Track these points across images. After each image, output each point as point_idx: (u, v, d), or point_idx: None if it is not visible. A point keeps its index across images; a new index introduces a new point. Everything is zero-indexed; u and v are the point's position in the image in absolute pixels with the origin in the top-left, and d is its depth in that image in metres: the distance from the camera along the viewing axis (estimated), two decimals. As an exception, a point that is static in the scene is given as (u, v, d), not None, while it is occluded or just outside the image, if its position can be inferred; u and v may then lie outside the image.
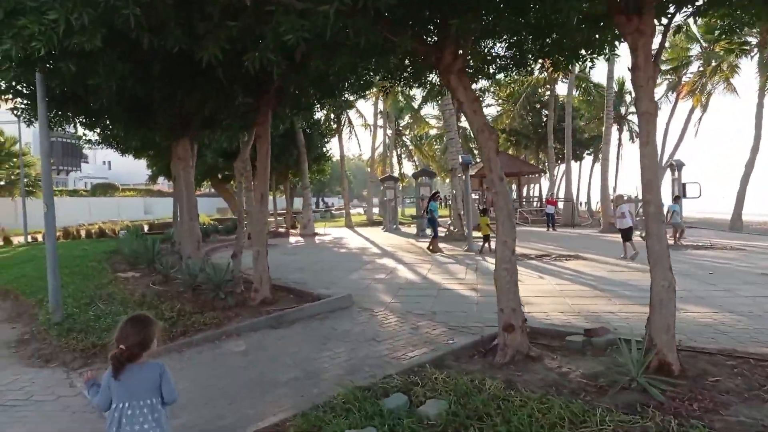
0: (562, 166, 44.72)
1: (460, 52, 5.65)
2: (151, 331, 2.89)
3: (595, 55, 6.21)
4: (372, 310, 8.48)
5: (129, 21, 4.56)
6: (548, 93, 41.25)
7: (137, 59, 6.56)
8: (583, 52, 6.13)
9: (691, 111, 33.49)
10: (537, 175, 41.87)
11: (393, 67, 6.72)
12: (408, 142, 60.48)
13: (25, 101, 8.85)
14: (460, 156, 18.04)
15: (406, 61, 6.67)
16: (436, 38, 5.70)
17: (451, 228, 21.15)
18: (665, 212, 18.07)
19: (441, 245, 17.51)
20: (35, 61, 5.95)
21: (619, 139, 46.23)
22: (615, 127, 46.47)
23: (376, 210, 44.45)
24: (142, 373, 2.83)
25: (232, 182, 37.01)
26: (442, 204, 33.68)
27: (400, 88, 10.44)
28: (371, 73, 7.04)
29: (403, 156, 61.74)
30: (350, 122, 37.57)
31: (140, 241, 15.42)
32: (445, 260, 14.64)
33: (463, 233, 18.64)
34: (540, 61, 6.69)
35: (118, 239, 22.35)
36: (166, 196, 55.94)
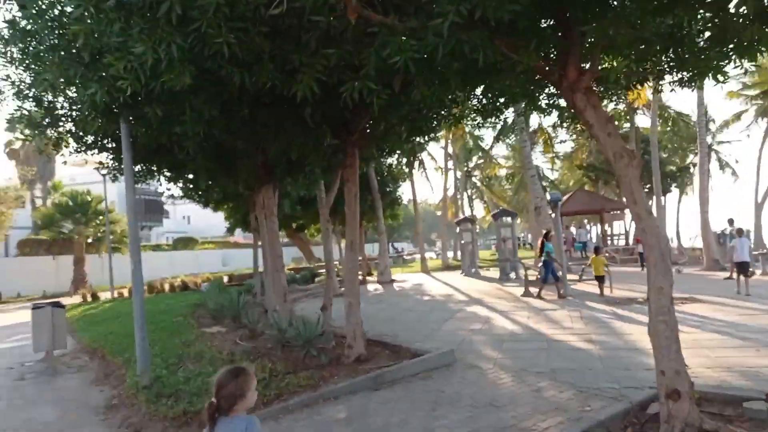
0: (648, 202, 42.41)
1: (586, 67, 4.88)
2: (242, 382, 2.80)
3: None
4: (479, 367, 7.54)
5: (221, 53, 4.10)
6: (627, 124, 39.49)
7: (225, 102, 6.19)
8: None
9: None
10: (620, 212, 39.61)
11: (506, 89, 6.00)
12: (478, 183, 59.56)
13: (110, 155, 8.78)
14: (547, 193, 16.95)
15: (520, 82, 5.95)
16: (556, 52, 4.95)
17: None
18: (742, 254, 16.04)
19: (532, 290, 16.28)
20: (121, 107, 5.68)
21: (708, 169, 43.27)
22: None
23: (450, 254, 43.37)
24: (231, 426, 2.74)
25: (306, 231, 37.36)
26: (522, 245, 32.07)
27: (477, 125, 9.88)
28: (479, 99, 6.34)
29: (474, 197, 60.72)
30: (422, 165, 37.11)
31: (224, 293, 15.20)
32: (543, 306, 13.44)
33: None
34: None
35: (200, 292, 22.49)
36: (242, 248, 57.30)
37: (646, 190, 39.03)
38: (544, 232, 17.36)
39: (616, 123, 36.80)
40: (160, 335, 11.38)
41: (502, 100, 6.38)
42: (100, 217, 32.26)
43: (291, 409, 6.31)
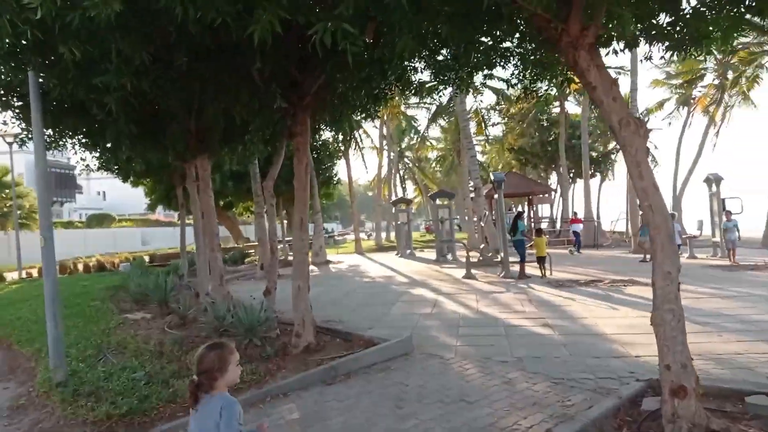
0: (572, 186, 43.66)
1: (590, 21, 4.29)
2: (222, 356, 2.69)
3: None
4: (440, 356, 6.97)
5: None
6: (555, 110, 40.33)
7: (158, 48, 5.17)
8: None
9: (709, 125, 32.33)
10: (548, 195, 40.56)
11: (497, 42, 5.33)
12: (410, 164, 59.50)
13: (15, 113, 7.43)
14: (491, 173, 16.67)
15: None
16: (557, 3, 4.32)
17: (483, 252, 19.63)
18: (721, 230, 16.76)
19: (474, 271, 16.04)
20: (28, 46, 4.56)
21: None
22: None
23: (383, 234, 43.02)
24: (209, 406, 2.62)
25: (234, 209, 35.66)
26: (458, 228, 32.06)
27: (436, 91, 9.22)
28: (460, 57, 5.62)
29: (406, 178, 60.66)
30: (357, 144, 36.27)
31: (147, 275, 13.88)
32: (488, 288, 13.14)
33: (497, 258, 17.17)
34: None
35: (120, 273, 20.78)
36: (164, 226, 54.46)
37: (571, 174, 40.27)
38: (515, 212, 17.29)
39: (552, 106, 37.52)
40: (75, 322, 10.10)
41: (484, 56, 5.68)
42: (6, 191, 29.32)
43: (234, 409, 5.49)
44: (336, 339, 7.74)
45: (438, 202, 23.46)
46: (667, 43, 5.06)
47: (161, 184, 20.40)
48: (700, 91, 34.86)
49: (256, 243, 27.51)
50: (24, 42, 4.67)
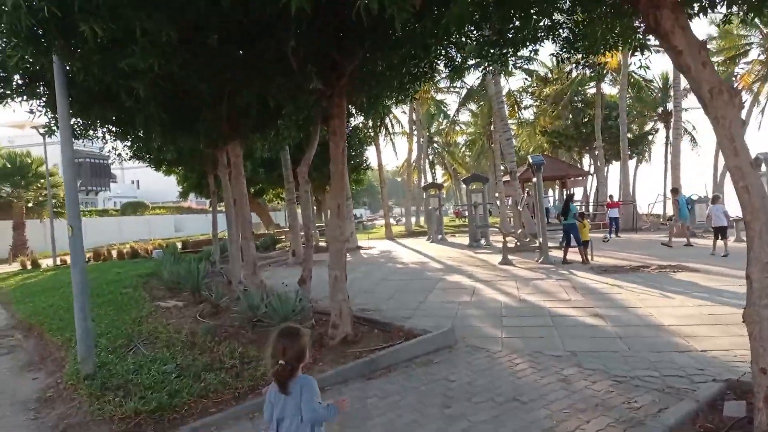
0: (612, 167, 42.42)
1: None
2: (304, 342, 2.84)
3: None
4: (486, 349, 6.58)
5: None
6: (590, 91, 39.10)
7: (186, 25, 4.82)
8: None
9: (753, 102, 30.88)
10: (582, 178, 39.50)
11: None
12: (440, 149, 58.79)
13: (43, 101, 7.22)
14: (529, 157, 16.08)
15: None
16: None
17: (520, 237, 19.06)
18: (720, 219, 15.87)
19: (510, 257, 15.55)
20: (48, 24, 4.26)
21: (667, 137, 43.47)
22: (662, 125, 44.10)
23: (413, 219, 42.63)
24: (295, 387, 2.75)
25: (264, 196, 35.66)
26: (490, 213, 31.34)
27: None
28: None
29: (435, 163, 60.04)
30: (387, 129, 35.75)
31: (180, 262, 13.78)
32: (527, 275, 12.66)
33: (534, 243, 16.63)
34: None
35: (152, 260, 20.88)
36: (197, 213, 55.08)
37: (607, 156, 39.05)
38: (567, 194, 16.87)
39: (586, 86, 36.38)
40: (107, 310, 10.03)
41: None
42: (42, 181, 29.84)
43: (271, 405, 5.21)
44: (374, 330, 7.40)
45: (471, 186, 22.89)
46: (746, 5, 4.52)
47: (193, 172, 20.37)
48: (742, 68, 33.39)
49: (287, 229, 27.50)
50: (43, 23, 4.37)
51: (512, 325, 7.72)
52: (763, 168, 18.45)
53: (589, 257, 14.37)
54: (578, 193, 46.50)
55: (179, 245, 26.91)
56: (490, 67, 7.17)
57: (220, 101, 7.15)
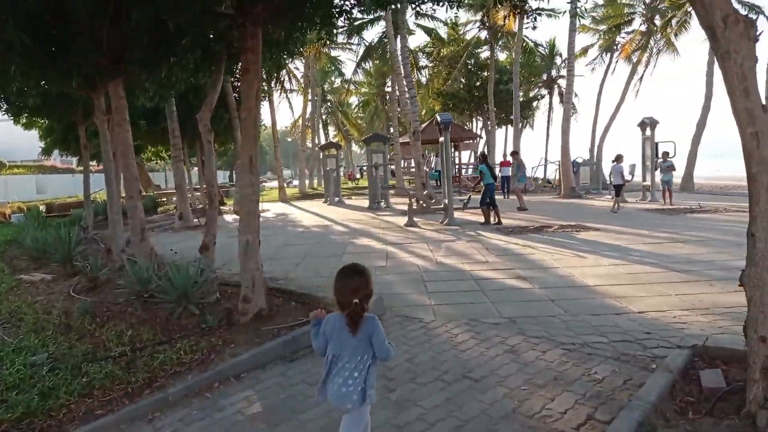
0: (498, 131, 43.66)
1: None
2: (370, 278, 2.79)
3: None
4: (419, 318, 5.99)
5: None
6: (482, 55, 39.67)
7: None
8: None
9: (633, 71, 32.76)
10: (473, 141, 40.34)
11: None
12: (333, 109, 57.48)
13: None
14: (437, 115, 15.63)
15: None
16: None
17: (425, 199, 18.75)
18: (619, 176, 16.90)
19: (415, 219, 15.18)
20: None
21: (550, 103, 45.58)
22: (546, 92, 46.00)
23: (306, 181, 41.39)
24: (362, 327, 2.71)
25: (142, 154, 32.57)
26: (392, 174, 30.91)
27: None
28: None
29: (329, 123, 58.75)
30: (282, 86, 33.83)
31: (47, 228, 11.87)
32: (436, 237, 12.31)
33: (437, 204, 16.39)
34: None
35: (12, 225, 18.21)
36: (62, 173, 49.67)
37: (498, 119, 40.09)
38: (486, 154, 16.60)
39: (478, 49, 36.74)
40: (-47, 287, 8.26)
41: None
42: None
43: (172, 402, 4.26)
44: (290, 302, 6.53)
45: (373, 146, 22.23)
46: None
47: (60, 123, 17.72)
48: (623, 37, 35.22)
49: (171, 191, 25.30)
50: None
51: (438, 290, 7.20)
52: (648, 132, 19.52)
53: (495, 218, 14.30)
54: (465, 156, 47.68)
55: (43, 208, 23.86)
56: (378, 26, 6.39)
57: (100, 24, 5.74)
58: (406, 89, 20.70)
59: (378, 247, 11.25)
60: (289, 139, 78.10)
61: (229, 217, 20.94)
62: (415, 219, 15.17)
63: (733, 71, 3.05)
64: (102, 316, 6.30)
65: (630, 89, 32.60)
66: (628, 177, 20.64)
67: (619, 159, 17.22)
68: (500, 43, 34.82)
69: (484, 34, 35.55)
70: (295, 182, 53.52)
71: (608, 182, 20.72)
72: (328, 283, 7.73)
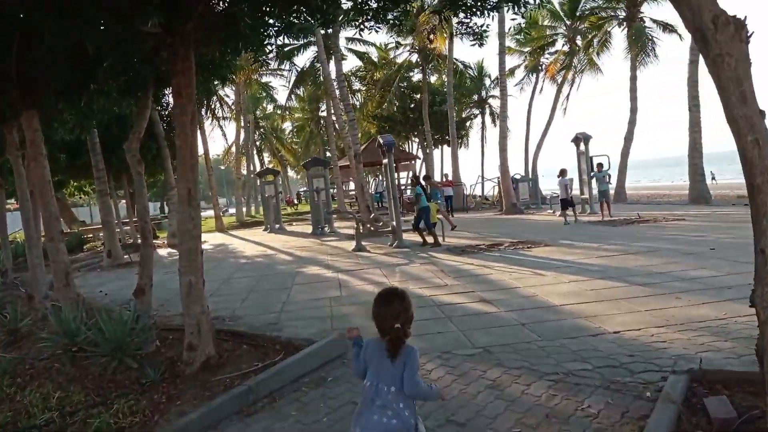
0: (435, 152, 44.09)
1: None
2: (413, 305, 2.70)
3: None
4: (386, 355, 5.52)
5: None
6: (414, 78, 40.11)
7: None
8: None
9: (559, 90, 33.93)
10: (411, 162, 40.52)
11: None
12: (266, 135, 56.55)
13: None
14: (380, 137, 15.34)
15: None
16: None
17: (371, 222, 18.32)
18: (593, 182, 17.20)
19: (363, 243, 14.74)
20: None
21: (483, 123, 46.53)
22: (478, 111, 47.01)
23: (243, 209, 40.17)
24: (403, 355, 2.56)
25: (64, 189, 30.62)
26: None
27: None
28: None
29: (263, 149, 57.77)
30: (213, 113, 32.75)
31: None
32: (388, 260, 11.92)
33: (386, 227, 16.02)
34: None
35: None
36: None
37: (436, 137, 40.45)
38: (419, 176, 16.21)
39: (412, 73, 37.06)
40: None
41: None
42: None
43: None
44: (242, 345, 5.91)
45: (313, 171, 21.68)
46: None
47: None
48: (547, 58, 36.51)
49: (98, 226, 23.72)
50: None
51: (401, 320, 6.75)
52: (582, 146, 20.02)
53: (439, 238, 14.05)
54: (404, 177, 47.84)
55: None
56: (366, 23, 6.07)
57: (8, 50, 5.02)
58: (344, 112, 20.39)
59: (329, 275, 10.71)
60: (223, 167, 76.21)
61: (163, 251, 19.83)
62: (363, 243, 14.73)
63: (726, 76, 2.82)
64: (24, 376, 5.49)
65: (558, 107, 33.72)
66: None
67: (563, 173, 17.52)
68: (431, 65, 35.21)
69: (415, 57, 35.93)
70: (232, 210, 51.99)
71: (552, 196, 21.13)
72: (280, 319, 7.16)
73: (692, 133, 20.55)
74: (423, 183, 14.86)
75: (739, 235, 10.98)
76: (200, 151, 30.89)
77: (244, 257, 15.50)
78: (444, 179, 28.94)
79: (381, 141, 14.53)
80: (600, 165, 18.25)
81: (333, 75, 22.69)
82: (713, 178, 52.41)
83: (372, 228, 16.23)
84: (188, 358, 5.27)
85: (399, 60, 38.49)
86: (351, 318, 7.11)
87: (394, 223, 14.35)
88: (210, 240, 23.15)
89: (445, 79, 41.85)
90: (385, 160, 14.47)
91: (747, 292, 3.14)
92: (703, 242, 10.66)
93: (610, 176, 17.29)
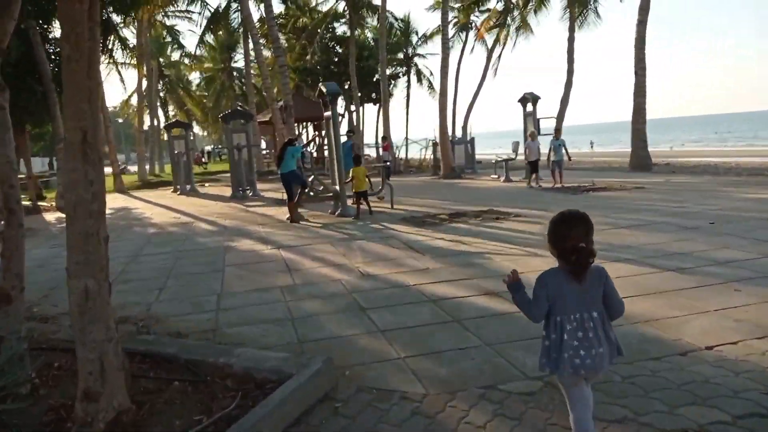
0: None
1: None
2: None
3: None
4: (399, 390, 3.66)
5: None
6: (339, 29, 37.54)
7: None
8: None
9: (492, 49, 32.73)
10: (339, 120, 38.14)
11: None
12: (171, 86, 51.80)
13: None
14: (321, 84, 13.13)
15: None
16: None
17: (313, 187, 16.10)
18: (538, 153, 16.09)
19: (301, 210, 12.69)
20: None
21: (408, 81, 44.74)
22: (403, 69, 45.05)
23: (146, 167, 36.31)
24: (592, 277, 2.44)
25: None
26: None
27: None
28: None
29: (168, 102, 53.05)
30: (111, 56, 28.38)
31: None
32: (338, 234, 10.01)
33: (326, 191, 13.99)
34: None
35: None
36: None
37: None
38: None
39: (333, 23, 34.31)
40: None
41: None
42: None
43: None
44: (171, 382, 3.82)
45: (234, 124, 19.03)
46: None
47: None
48: (477, 16, 35.17)
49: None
50: None
51: (394, 325, 4.92)
52: (529, 107, 18.79)
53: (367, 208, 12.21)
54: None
55: None
56: None
57: None
58: (276, 56, 17.79)
59: (269, 252, 8.66)
60: (121, 120, 69.81)
61: (51, 216, 16.76)
62: (299, 210, 12.66)
63: None
64: None
65: (490, 68, 32.62)
66: (512, 155, 19.94)
67: (533, 136, 16.42)
68: (360, 15, 32.79)
69: (342, 6, 33.31)
70: (132, 168, 47.33)
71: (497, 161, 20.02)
72: (219, 324, 5.13)
73: (637, 97, 19.94)
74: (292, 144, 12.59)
75: (724, 207, 10.08)
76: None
77: (153, 226, 12.97)
78: (383, 141, 26.99)
79: (323, 89, 12.38)
80: (558, 131, 17.08)
81: (255, 16, 19.94)
82: (591, 147, 54.38)
83: (311, 193, 14.16)
84: (85, 413, 3.18)
85: (324, 8, 35.71)
86: (319, 321, 5.19)
87: (337, 187, 12.36)
88: (109, 202, 19.91)
89: (369, 35, 39.81)
90: (327, 113, 12.36)
91: None
92: (691, 213, 9.64)
93: (565, 144, 16.10)
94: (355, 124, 35.76)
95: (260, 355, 4.04)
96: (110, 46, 24.43)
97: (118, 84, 56.68)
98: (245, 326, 5.09)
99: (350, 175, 12.11)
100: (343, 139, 14.51)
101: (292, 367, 3.75)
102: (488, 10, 32.73)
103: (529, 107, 18.80)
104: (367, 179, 12.28)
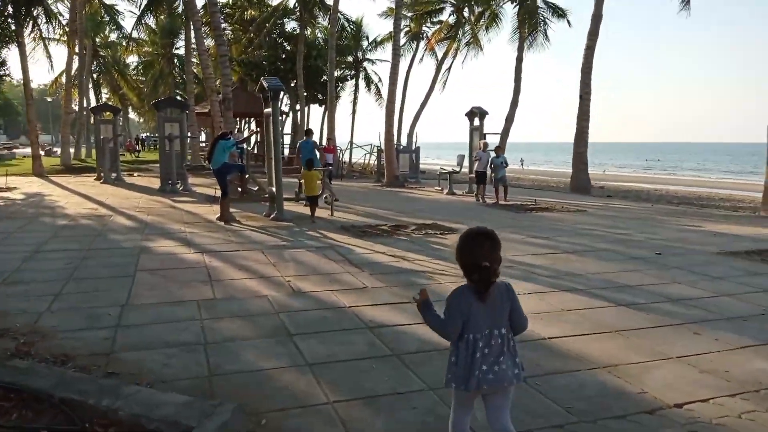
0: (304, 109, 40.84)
1: None
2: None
3: None
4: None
5: None
6: (288, 26, 36.50)
7: None
8: None
9: (442, 61, 32.63)
10: (281, 118, 37.03)
11: None
12: (108, 67, 49.04)
13: None
14: (262, 79, 12.25)
15: None
16: None
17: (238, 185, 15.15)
18: (487, 166, 15.78)
19: (233, 211, 11.79)
20: None
21: (356, 85, 44.08)
22: (351, 73, 44.37)
23: (71, 150, 33.89)
24: (498, 294, 2.42)
25: None
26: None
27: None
28: None
29: (102, 84, 50.16)
30: (38, 29, 26.20)
31: None
32: (270, 240, 9.22)
33: (262, 192, 13.11)
34: None
35: None
36: None
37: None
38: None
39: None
40: None
41: None
42: None
43: None
44: (38, 431, 3.01)
45: (167, 113, 17.78)
46: None
47: None
48: (429, 27, 35.08)
49: None
50: None
51: (323, 358, 4.25)
52: (476, 122, 18.56)
53: (316, 212, 11.57)
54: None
55: None
56: None
57: None
58: (218, 45, 16.73)
59: (191, 257, 7.78)
60: (49, 99, 65.62)
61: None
62: (230, 210, 11.76)
63: None
64: None
65: (438, 80, 32.51)
66: (456, 168, 19.64)
67: (485, 147, 16.08)
68: (310, 14, 31.92)
69: (293, 1, 32.37)
70: (59, 151, 44.33)
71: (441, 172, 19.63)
72: (116, 345, 4.25)
73: (581, 121, 20.15)
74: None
75: (668, 237, 10.01)
76: (18, 74, 24.91)
77: (65, 217, 11.67)
78: (327, 144, 26.17)
79: (265, 84, 11.55)
80: (499, 148, 16.85)
81: (199, 2, 18.79)
82: (522, 164, 55.94)
83: (244, 193, 13.23)
84: None
85: (274, 2, 34.59)
86: (238, 347, 4.44)
87: (274, 189, 11.55)
88: (23, 187, 18.43)
89: (319, 35, 38.95)
90: (267, 109, 11.55)
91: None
92: (636, 242, 9.48)
93: (506, 161, 15.84)
94: (299, 123, 34.92)
95: (154, 398, 3.26)
96: (37, 18, 22.53)
97: (45, 60, 53.11)
98: (146, 351, 4.29)
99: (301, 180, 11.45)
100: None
101: (193, 417, 3.01)
102: (440, 21, 32.69)
103: (476, 121, 18.61)
104: (319, 183, 11.63)
